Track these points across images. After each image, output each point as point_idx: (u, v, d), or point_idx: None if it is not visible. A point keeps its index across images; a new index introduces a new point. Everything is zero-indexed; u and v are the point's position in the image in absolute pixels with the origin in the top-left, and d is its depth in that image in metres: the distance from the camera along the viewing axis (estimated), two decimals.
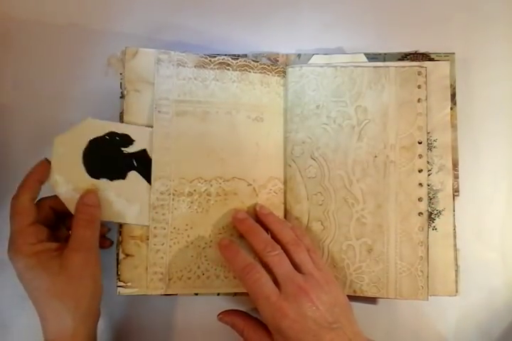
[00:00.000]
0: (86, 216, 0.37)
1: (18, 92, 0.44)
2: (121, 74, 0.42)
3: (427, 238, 0.41)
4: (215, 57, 0.42)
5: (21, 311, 0.43)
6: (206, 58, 0.42)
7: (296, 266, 0.36)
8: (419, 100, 0.42)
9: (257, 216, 0.40)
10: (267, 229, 0.39)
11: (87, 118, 0.40)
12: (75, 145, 0.40)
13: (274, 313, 0.33)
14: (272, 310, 0.33)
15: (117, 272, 0.40)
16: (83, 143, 0.40)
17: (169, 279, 0.40)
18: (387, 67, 0.43)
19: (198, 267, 0.41)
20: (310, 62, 0.44)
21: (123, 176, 0.41)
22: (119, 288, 0.40)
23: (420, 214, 0.41)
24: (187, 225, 0.41)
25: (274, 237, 0.38)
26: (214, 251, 0.41)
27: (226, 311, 0.39)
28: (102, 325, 0.43)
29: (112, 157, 0.40)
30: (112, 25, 0.45)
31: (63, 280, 0.35)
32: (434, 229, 0.42)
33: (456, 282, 0.41)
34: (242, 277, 0.35)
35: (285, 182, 0.43)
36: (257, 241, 0.37)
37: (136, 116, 0.41)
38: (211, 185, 0.41)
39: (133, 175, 0.41)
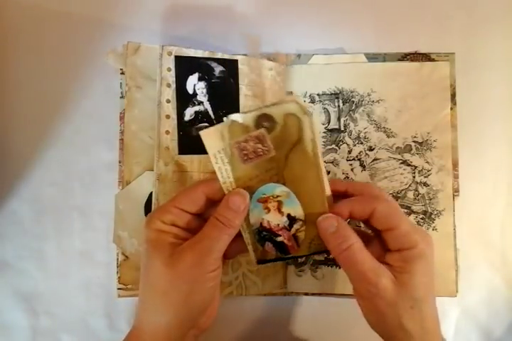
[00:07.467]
0: (222, 218, 0.32)
1: (18, 92, 0.44)
2: (121, 69, 0.42)
3: None
4: (217, 54, 0.42)
5: (21, 311, 0.43)
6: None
7: None
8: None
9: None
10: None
11: (144, 172, 0.39)
12: (136, 199, 0.39)
13: None
14: None
15: (117, 274, 0.40)
16: (144, 196, 0.39)
17: None
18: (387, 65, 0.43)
19: None
20: (310, 62, 0.44)
21: None
22: (118, 290, 0.40)
23: None
24: None
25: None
26: None
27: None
28: (103, 326, 0.43)
29: None
30: (112, 25, 0.45)
31: (167, 278, 0.31)
32: (434, 229, 0.42)
33: (457, 282, 0.41)
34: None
35: None
36: None
37: (138, 113, 0.40)
38: None
39: None
